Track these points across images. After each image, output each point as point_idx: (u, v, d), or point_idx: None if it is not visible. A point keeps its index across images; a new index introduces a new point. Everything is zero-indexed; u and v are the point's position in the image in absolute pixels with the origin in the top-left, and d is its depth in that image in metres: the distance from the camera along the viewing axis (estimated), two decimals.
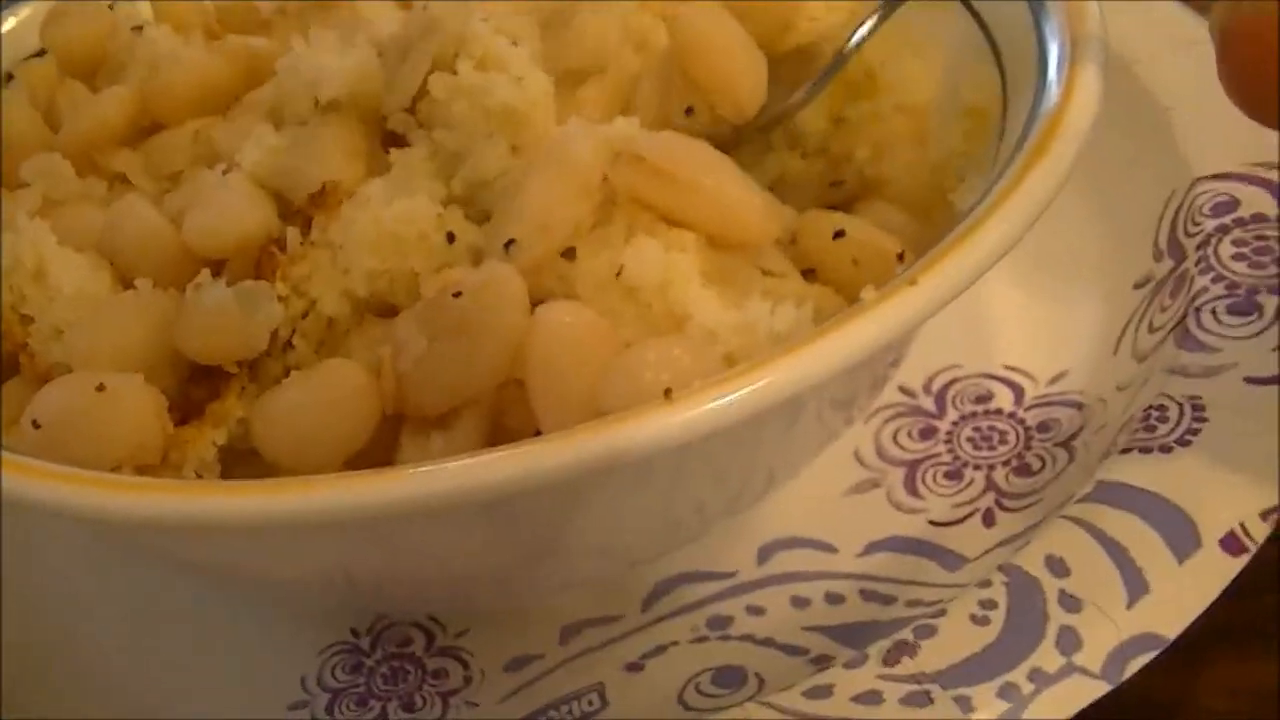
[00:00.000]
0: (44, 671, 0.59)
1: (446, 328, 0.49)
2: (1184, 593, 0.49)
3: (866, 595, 0.56)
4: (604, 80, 0.58)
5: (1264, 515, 0.50)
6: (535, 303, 0.51)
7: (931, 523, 0.58)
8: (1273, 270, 0.58)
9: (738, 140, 0.58)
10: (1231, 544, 0.49)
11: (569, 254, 0.52)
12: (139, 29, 0.64)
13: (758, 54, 0.57)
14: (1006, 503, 0.57)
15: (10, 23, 0.68)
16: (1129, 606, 0.48)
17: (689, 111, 0.56)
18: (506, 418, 0.50)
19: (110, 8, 0.68)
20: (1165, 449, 0.53)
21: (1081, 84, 0.51)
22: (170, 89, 0.61)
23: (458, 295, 0.49)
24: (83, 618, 0.61)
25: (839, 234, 0.54)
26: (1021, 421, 0.60)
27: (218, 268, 0.55)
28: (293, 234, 0.54)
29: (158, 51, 0.62)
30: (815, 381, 0.44)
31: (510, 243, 0.51)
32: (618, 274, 0.50)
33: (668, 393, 0.44)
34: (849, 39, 0.58)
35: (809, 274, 0.54)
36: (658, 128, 0.56)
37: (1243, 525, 0.50)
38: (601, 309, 0.50)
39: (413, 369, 0.50)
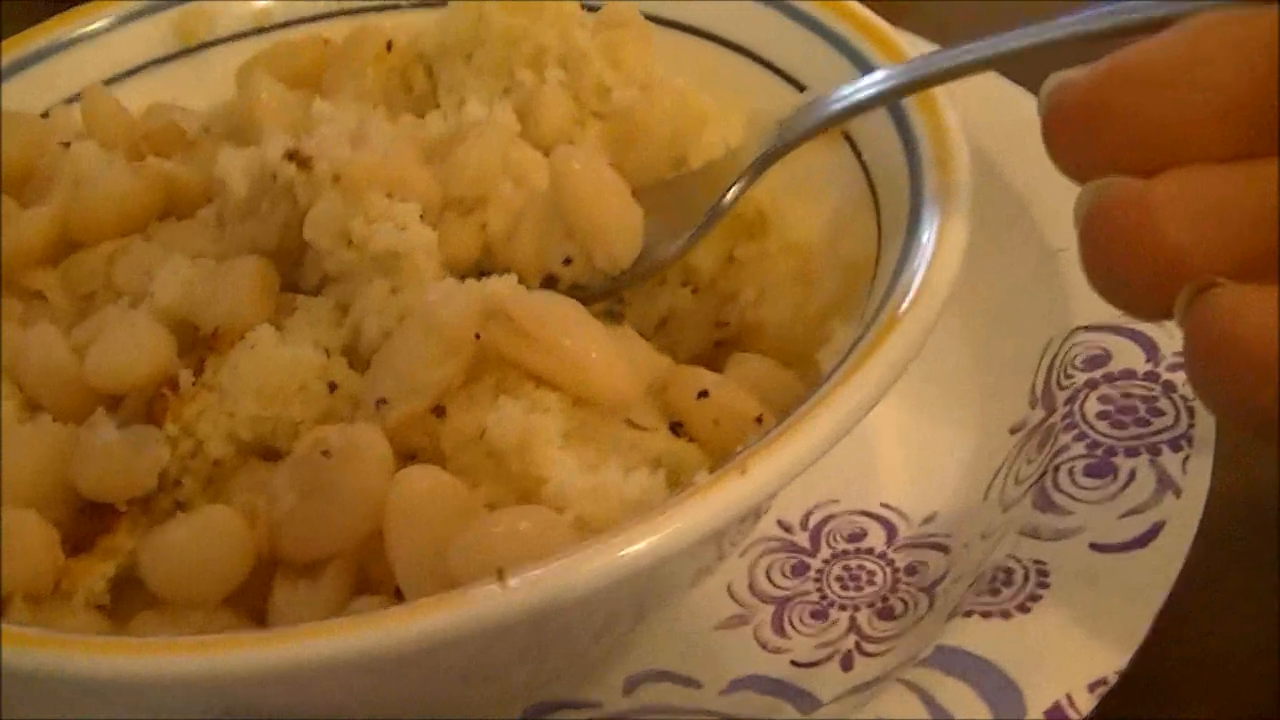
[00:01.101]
0: None
1: (314, 485, 0.52)
2: None
3: None
4: (486, 214, 0.61)
5: (1091, 687, 0.52)
6: (404, 457, 0.54)
7: (794, 663, 0.60)
8: (1133, 431, 0.60)
9: (618, 287, 0.60)
10: (1056, 715, 0.51)
11: (439, 411, 0.54)
12: (67, 144, 0.67)
13: (632, 205, 0.59)
14: (866, 646, 0.59)
15: None
16: None
17: (567, 261, 0.59)
18: (372, 567, 0.53)
19: (45, 115, 0.71)
20: (1005, 614, 0.55)
21: (938, 265, 0.53)
22: (89, 211, 0.63)
23: (325, 454, 0.52)
24: None
25: (703, 394, 0.56)
26: (891, 562, 0.62)
27: (116, 402, 0.57)
28: (185, 375, 0.56)
29: (81, 169, 0.65)
30: (641, 566, 0.46)
31: (381, 402, 0.54)
32: (480, 436, 0.53)
33: (500, 572, 0.46)
34: (728, 189, 0.60)
35: (678, 425, 0.57)
36: (538, 272, 0.59)
37: (1069, 697, 0.52)
38: (464, 467, 0.53)
39: (283, 521, 0.53)
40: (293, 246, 0.60)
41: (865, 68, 0.63)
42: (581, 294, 0.58)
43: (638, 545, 0.46)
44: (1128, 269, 0.48)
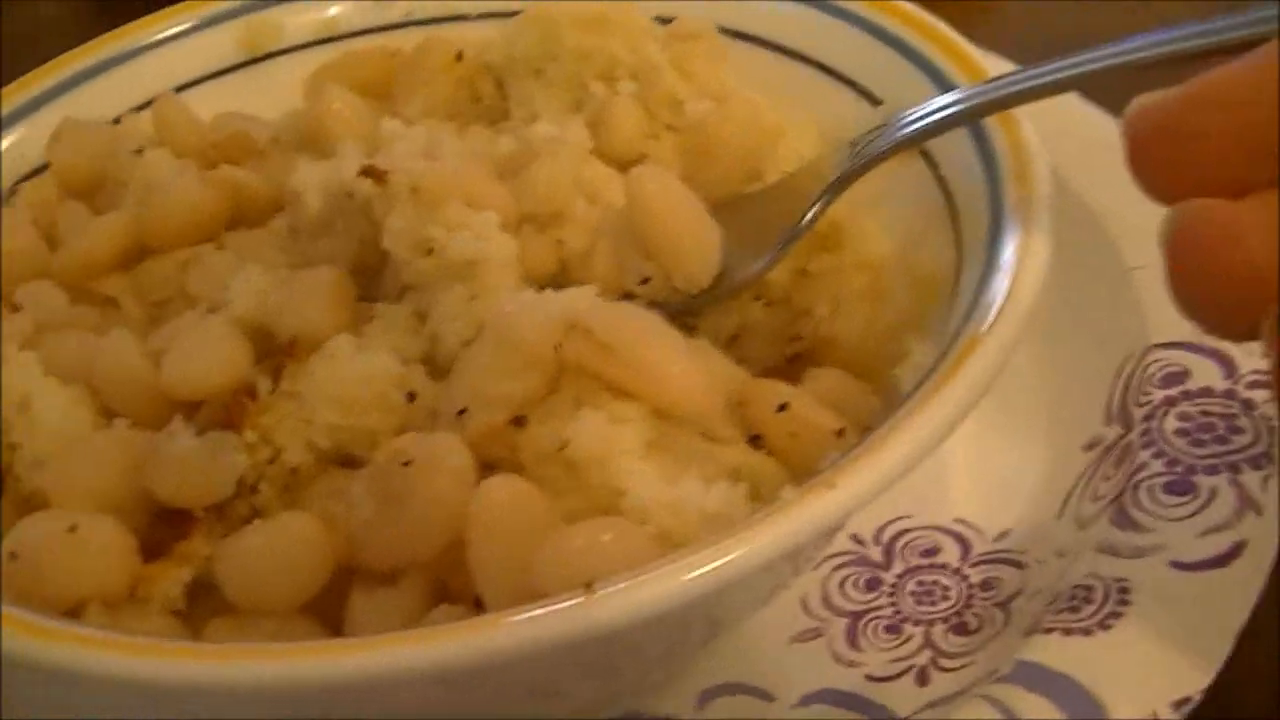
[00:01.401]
0: None
1: (393, 494, 0.52)
2: None
3: None
4: (562, 230, 0.61)
5: (1176, 705, 0.52)
6: (485, 466, 0.53)
7: (868, 677, 0.59)
8: (1213, 449, 0.59)
9: (696, 306, 0.60)
10: None
11: (519, 421, 0.54)
12: (139, 151, 0.67)
13: (709, 224, 0.59)
14: (942, 661, 0.59)
15: (13, 137, 0.71)
16: None
17: (645, 281, 0.59)
18: (451, 577, 0.53)
19: (115, 122, 0.71)
20: (1086, 632, 0.54)
21: (1021, 282, 0.53)
22: (161, 218, 0.64)
23: (406, 464, 0.52)
24: None
25: (782, 407, 0.56)
26: (965, 578, 0.62)
27: (192, 409, 0.57)
28: (263, 383, 0.57)
29: (153, 177, 0.65)
30: (728, 580, 0.46)
31: (462, 412, 0.54)
32: (562, 447, 0.53)
33: (588, 585, 0.46)
34: (807, 211, 0.60)
35: (756, 439, 0.57)
36: (615, 290, 0.59)
37: (1154, 715, 0.51)
38: (544, 479, 0.53)
39: (361, 529, 0.53)
40: (370, 262, 0.60)
41: (943, 85, 0.62)
42: (659, 312, 0.58)
43: (727, 558, 0.46)
44: (1214, 291, 0.48)
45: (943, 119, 0.58)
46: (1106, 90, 0.71)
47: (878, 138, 0.59)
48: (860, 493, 0.48)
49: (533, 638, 0.45)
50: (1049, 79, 0.54)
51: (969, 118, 0.58)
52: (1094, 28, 0.54)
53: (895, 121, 0.59)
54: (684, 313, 0.60)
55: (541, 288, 0.57)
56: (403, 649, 0.46)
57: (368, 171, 0.58)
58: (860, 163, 0.59)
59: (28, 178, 0.70)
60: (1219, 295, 0.48)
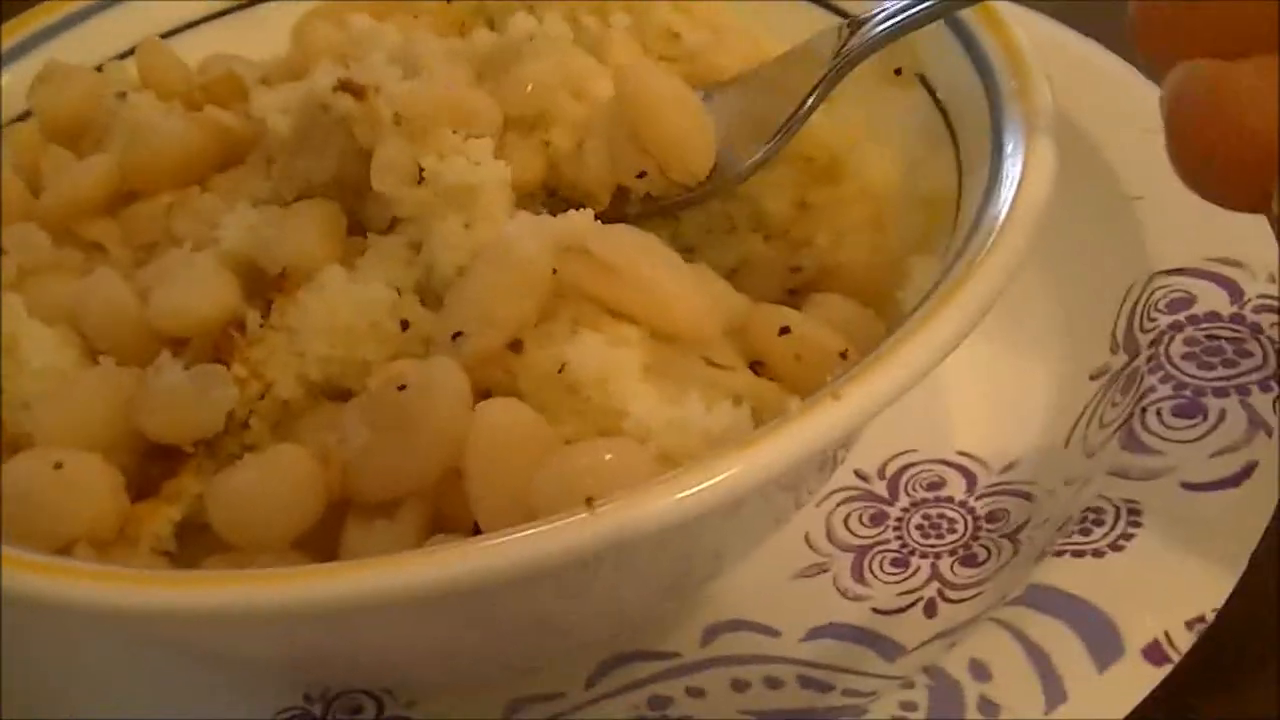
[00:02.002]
0: None
1: (389, 421, 0.51)
2: (1102, 701, 0.49)
3: (805, 682, 0.57)
4: (549, 131, 0.59)
5: (1189, 624, 0.51)
6: (480, 394, 0.52)
7: (875, 610, 0.58)
8: (1221, 372, 0.58)
9: (693, 200, 0.59)
10: (1154, 653, 0.50)
11: (515, 346, 0.53)
12: (123, 95, 0.65)
13: (704, 114, 0.58)
14: (949, 593, 0.58)
15: None
16: (1046, 714, 0.49)
17: (641, 175, 0.58)
18: (447, 505, 0.52)
19: (99, 69, 0.70)
20: (1098, 553, 0.53)
21: (1023, 203, 0.52)
22: (147, 161, 0.62)
23: (401, 389, 0.51)
24: (46, 682, 0.62)
25: (784, 330, 0.55)
26: (971, 510, 0.61)
27: (180, 346, 0.56)
28: (252, 317, 0.55)
29: (139, 119, 0.63)
30: (732, 494, 0.45)
31: (458, 335, 0.52)
32: (560, 370, 0.51)
33: (589, 501, 0.45)
34: (806, 98, 0.58)
35: (758, 365, 0.56)
36: (609, 186, 0.58)
37: (1167, 634, 0.50)
38: (543, 403, 0.52)
39: (357, 459, 0.51)
40: (352, 179, 0.58)
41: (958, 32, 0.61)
42: (655, 207, 0.57)
43: (735, 469, 0.45)
44: (1210, 153, 0.47)
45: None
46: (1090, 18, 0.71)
47: (876, 22, 0.58)
48: (866, 405, 0.47)
49: (534, 554, 0.44)
50: None
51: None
52: None
53: (889, 7, 0.58)
54: (682, 207, 0.59)
55: (531, 196, 0.56)
56: (402, 569, 0.45)
57: (345, 85, 0.56)
58: (862, 45, 0.58)
59: (11, 123, 0.68)
60: (1215, 158, 0.47)
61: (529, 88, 0.59)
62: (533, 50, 0.59)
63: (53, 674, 0.62)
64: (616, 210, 0.59)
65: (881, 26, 0.58)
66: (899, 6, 0.58)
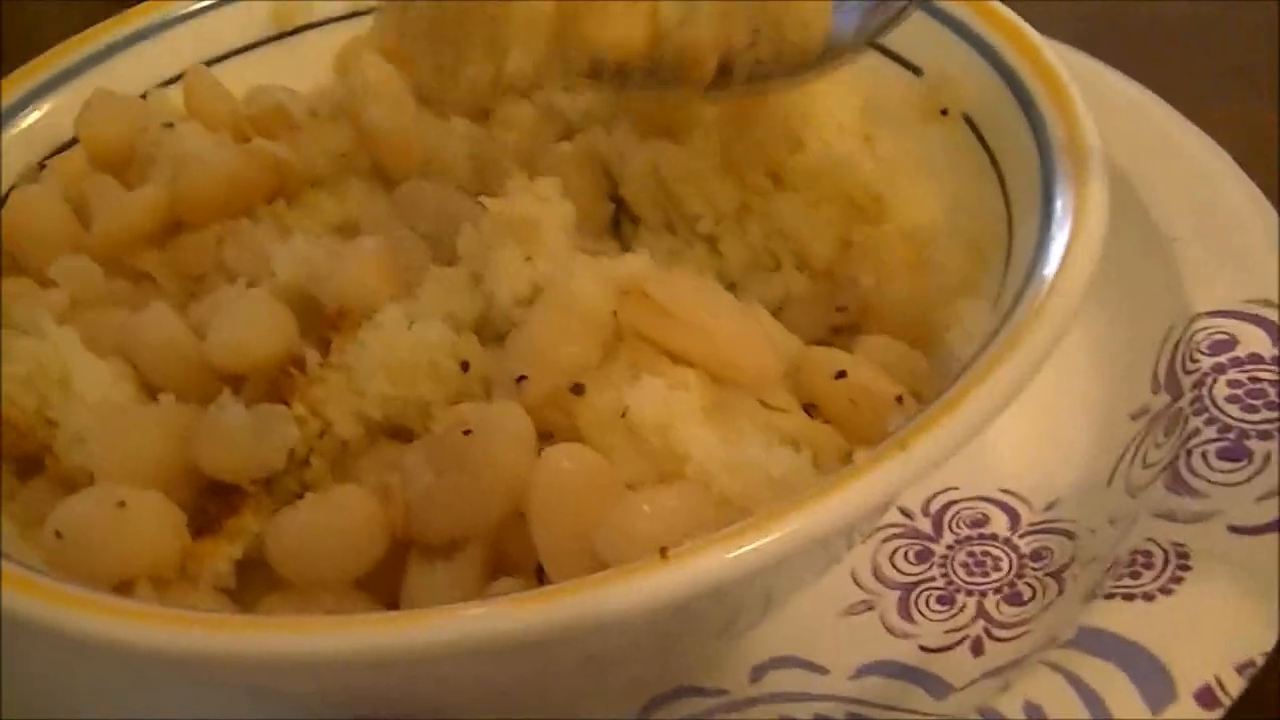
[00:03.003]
0: None
1: (453, 463, 0.51)
2: None
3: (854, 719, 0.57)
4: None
5: (1240, 669, 0.52)
6: (542, 436, 0.53)
7: (922, 648, 0.59)
8: (1264, 415, 0.59)
9: (800, 70, 0.59)
10: (1206, 698, 0.51)
11: (577, 389, 0.53)
12: (170, 125, 0.66)
13: None
14: (996, 631, 0.59)
15: (43, 109, 0.70)
16: None
17: (752, 44, 0.57)
18: (510, 548, 0.52)
19: (143, 96, 0.70)
20: (1148, 597, 0.54)
21: (1080, 245, 0.52)
22: (197, 192, 0.63)
23: (467, 433, 0.51)
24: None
25: (840, 374, 0.55)
26: (1015, 548, 0.62)
27: (237, 382, 0.56)
28: (311, 355, 0.56)
29: (186, 149, 0.64)
30: (803, 544, 0.45)
31: (521, 378, 0.53)
32: (623, 414, 0.52)
33: (663, 551, 0.45)
34: None
35: (810, 408, 0.56)
36: (716, 52, 0.58)
37: (1218, 678, 0.51)
38: (604, 446, 0.52)
39: (419, 500, 0.52)
40: (447, 32, 0.58)
41: (986, 53, 0.62)
42: (761, 85, 0.57)
43: (807, 519, 0.45)
44: None
45: None
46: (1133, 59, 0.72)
47: None
48: (934, 455, 0.47)
49: (606, 606, 0.44)
50: None
51: None
52: None
53: None
54: (788, 76, 0.58)
55: (635, 66, 0.57)
56: (472, 619, 0.45)
57: None
58: None
59: (57, 152, 0.69)
60: None
61: None
62: None
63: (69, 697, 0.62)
64: (722, 81, 0.59)
65: None
66: None
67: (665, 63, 0.59)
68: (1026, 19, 0.63)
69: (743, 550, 0.45)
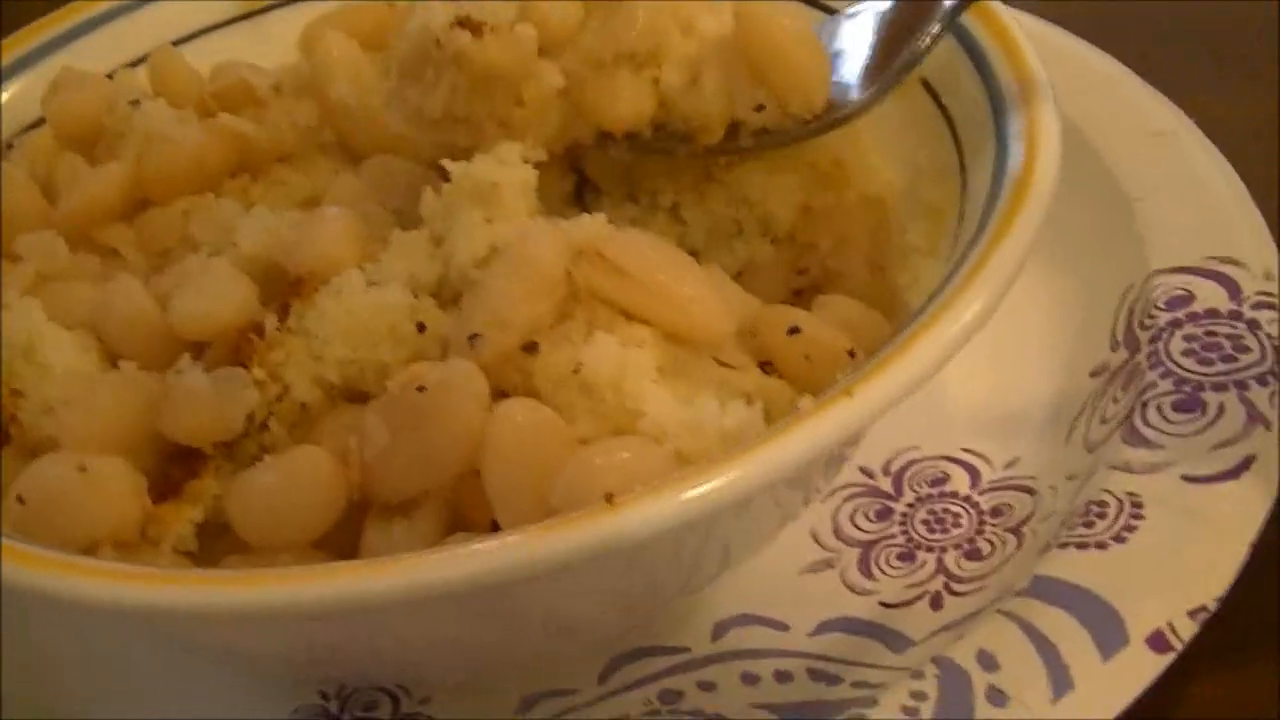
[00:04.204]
0: None
1: (409, 422, 0.52)
2: (1108, 690, 0.51)
3: (815, 675, 0.58)
4: (659, 68, 0.60)
5: (1192, 614, 0.52)
6: (497, 394, 0.53)
7: (882, 604, 0.59)
8: (1220, 367, 0.60)
9: (807, 134, 0.60)
10: (1158, 642, 0.51)
11: (531, 348, 0.54)
12: (136, 103, 0.66)
13: (821, 48, 0.59)
14: (955, 586, 0.59)
15: (11, 90, 0.71)
16: (1053, 702, 0.50)
17: (760, 109, 0.59)
18: (465, 506, 0.53)
19: (110, 77, 0.71)
20: (1101, 545, 0.55)
21: (1026, 208, 0.53)
22: (163, 168, 0.64)
23: (421, 390, 0.52)
24: (63, 677, 0.63)
25: (794, 330, 0.56)
26: (975, 505, 0.62)
27: (199, 350, 0.57)
28: (270, 321, 0.56)
29: (153, 127, 0.65)
30: (748, 489, 0.46)
31: (474, 336, 0.53)
32: (576, 370, 0.53)
33: (609, 497, 0.46)
34: (921, 38, 0.59)
35: (767, 365, 0.57)
36: (723, 119, 0.60)
37: (1170, 624, 0.52)
38: (559, 403, 0.53)
39: (377, 459, 0.52)
40: (460, 114, 0.60)
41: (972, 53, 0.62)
42: (770, 140, 0.59)
43: (753, 465, 0.46)
44: None
45: None
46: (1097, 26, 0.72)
47: None
48: (878, 402, 0.48)
49: (554, 551, 0.45)
50: None
51: None
52: None
53: None
54: (794, 141, 0.60)
55: (639, 133, 0.59)
56: (425, 566, 0.46)
57: (463, 23, 0.57)
58: None
59: (25, 131, 0.69)
60: None
61: (639, 25, 0.59)
62: None
63: (59, 670, 0.63)
64: (729, 142, 0.60)
65: None
66: None
67: (672, 126, 0.61)
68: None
69: (687, 496, 0.45)
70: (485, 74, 0.58)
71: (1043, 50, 0.61)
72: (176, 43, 0.73)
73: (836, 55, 0.61)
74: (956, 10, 0.59)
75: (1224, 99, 0.77)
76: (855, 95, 0.60)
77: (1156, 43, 0.83)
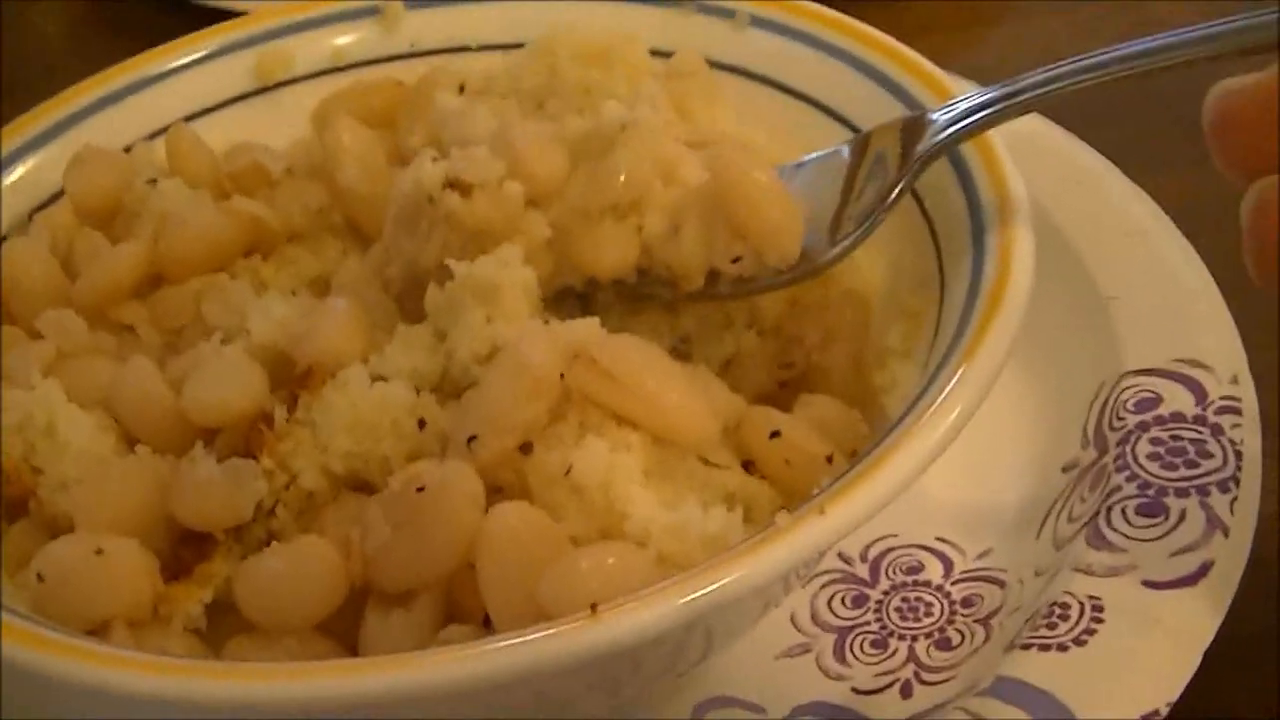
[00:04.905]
0: None
1: (408, 519, 0.55)
2: None
3: None
4: (642, 216, 0.63)
5: (1144, 719, 0.55)
6: (492, 490, 0.56)
7: (854, 690, 0.62)
8: (1183, 473, 0.62)
9: (782, 284, 0.63)
10: None
11: (526, 448, 0.57)
12: (153, 182, 0.69)
13: (794, 204, 0.62)
14: (925, 675, 0.62)
15: (30, 164, 0.73)
16: None
17: (736, 260, 0.62)
18: (461, 596, 0.56)
19: (127, 150, 0.73)
20: (1062, 647, 0.57)
21: (999, 322, 0.55)
22: (177, 249, 0.66)
23: (420, 490, 0.55)
24: None
25: (775, 434, 0.59)
26: (947, 595, 0.65)
27: (211, 435, 0.60)
28: (279, 412, 0.59)
29: (169, 207, 0.67)
30: (724, 600, 0.49)
31: (473, 439, 0.56)
32: (567, 472, 0.55)
33: (593, 607, 0.49)
34: (891, 191, 0.61)
35: (749, 464, 0.60)
36: (702, 269, 0.63)
37: None
38: (550, 502, 0.56)
39: (377, 552, 0.55)
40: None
41: (916, 108, 0.65)
42: (747, 288, 0.62)
43: (724, 580, 0.49)
44: None
45: (989, 112, 0.60)
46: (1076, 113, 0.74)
47: (941, 126, 0.61)
48: (849, 519, 0.51)
49: (539, 657, 0.48)
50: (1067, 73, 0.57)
51: (1007, 114, 0.60)
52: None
53: (944, 115, 0.61)
54: (769, 289, 0.63)
55: (625, 279, 0.62)
56: (417, 668, 0.48)
57: (454, 184, 0.61)
58: (937, 145, 0.61)
59: (44, 206, 0.72)
60: None
61: (623, 176, 0.62)
62: (625, 139, 0.62)
63: None
64: (709, 289, 0.63)
65: (948, 131, 0.61)
66: (962, 110, 0.61)
67: (655, 272, 0.64)
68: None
69: (665, 607, 0.48)
70: (475, 231, 0.61)
71: (1030, 149, 0.64)
72: (193, 116, 0.76)
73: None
74: (924, 163, 0.61)
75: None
76: (823, 244, 0.62)
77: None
